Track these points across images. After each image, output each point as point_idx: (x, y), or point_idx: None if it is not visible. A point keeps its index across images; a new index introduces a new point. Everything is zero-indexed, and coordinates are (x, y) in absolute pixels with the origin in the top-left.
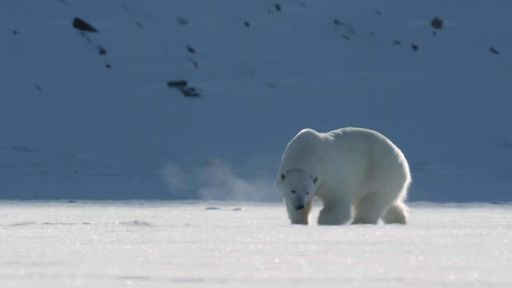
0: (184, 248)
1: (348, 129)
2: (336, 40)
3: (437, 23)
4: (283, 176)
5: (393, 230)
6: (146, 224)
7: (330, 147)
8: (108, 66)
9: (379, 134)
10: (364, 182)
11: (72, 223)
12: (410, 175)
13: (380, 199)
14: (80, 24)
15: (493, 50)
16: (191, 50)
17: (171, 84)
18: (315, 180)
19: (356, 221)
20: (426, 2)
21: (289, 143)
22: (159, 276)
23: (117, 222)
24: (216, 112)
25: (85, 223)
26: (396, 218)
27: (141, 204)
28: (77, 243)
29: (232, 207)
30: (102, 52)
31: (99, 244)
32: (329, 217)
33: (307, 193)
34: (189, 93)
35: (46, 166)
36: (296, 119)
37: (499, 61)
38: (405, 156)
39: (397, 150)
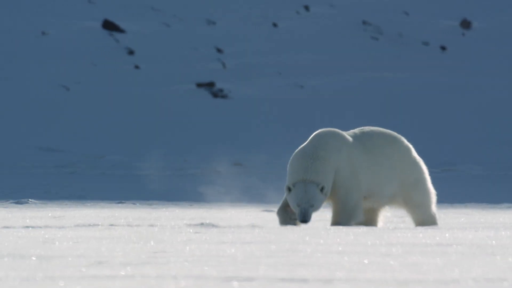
0: (265, 248)
1: (366, 128)
2: (364, 41)
3: (466, 24)
4: (289, 189)
5: (460, 232)
6: (212, 225)
7: (343, 151)
8: (136, 67)
9: (398, 134)
10: (390, 179)
11: (138, 225)
12: (438, 175)
13: (423, 199)
14: (108, 25)
15: None
16: (219, 50)
17: (199, 85)
18: (322, 189)
19: (418, 225)
20: (455, 3)
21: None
22: (261, 276)
23: (184, 223)
24: (244, 113)
25: (151, 225)
26: (372, 218)
27: (191, 205)
28: (151, 243)
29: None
30: (131, 53)
31: (176, 245)
32: (338, 222)
33: (311, 206)
34: (218, 94)
35: (74, 167)
36: (325, 119)
37: None
38: (433, 157)
39: (413, 149)
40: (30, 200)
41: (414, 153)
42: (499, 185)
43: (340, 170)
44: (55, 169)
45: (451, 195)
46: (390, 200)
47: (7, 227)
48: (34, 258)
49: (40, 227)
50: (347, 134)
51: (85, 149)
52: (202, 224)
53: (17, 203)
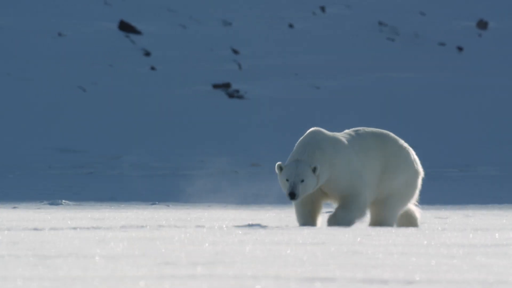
0: (324, 250)
1: (361, 129)
2: (381, 42)
3: (482, 25)
4: (280, 168)
5: (506, 233)
6: (260, 226)
7: (339, 144)
8: (152, 68)
9: (390, 133)
10: (377, 183)
11: (184, 226)
12: (455, 175)
13: (395, 200)
14: (125, 27)
15: None
16: (235, 52)
17: (216, 86)
18: (314, 169)
19: (372, 225)
20: (471, 3)
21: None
22: (340, 277)
23: (231, 225)
24: (261, 114)
25: (198, 226)
26: (409, 220)
27: (225, 206)
28: (206, 244)
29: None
30: (147, 54)
31: (232, 246)
32: (342, 216)
33: (301, 181)
34: (234, 95)
35: (91, 167)
36: (341, 120)
37: None
38: (450, 157)
39: (408, 148)
40: (64, 201)
41: (407, 154)
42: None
43: (338, 167)
44: (72, 170)
45: (468, 195)
46: (372, 201)
47: (55, 229)
48: (97, 258)
49: (87, 228)
50: (341, 136)
51: (102, 149)
52: (249, 225)
53: (51, 204)
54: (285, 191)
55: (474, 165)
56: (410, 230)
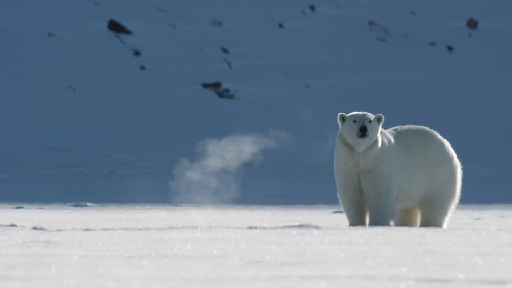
0: (399, 249)
1: (398, 128)
2: (371, 41)
3: (472, 24)
4: (343, 119)
5: None
6: (313, 227)
7: (390, 145)
8: (142, 67)
9: (428, 129)
10: (422, 180)
11: (236, 227)
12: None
13: (442, 198)
14: (114, 26)
15: None
16: (225, 51)
17: (206, 85)
18: (378, 119)
19: (422, 225)
20: (462, 3)
21: None
22: (458, 278)
23: (282, 225)
24: (250, 113)
25: (251, 227)
26: (412, 219)
27: (251, 208)
28: (272, 245)
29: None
30: (137, 53)
31: (297, 246)
32: (377, 220)
33: (369, 121)
34: (224, 94)
35: (81, 166)
36: (331, 119)
37: None
38: None
39: (446, 142)
40: (88, 203)
41: (447, 148)
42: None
43: (380, 161)
44: (62, 169)
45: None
46: (418, 201)
47: (107, 229)
48: (181, 258)
49: (140, 229)
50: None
51: (92, 148)
52: (301, 225)
53: (75, 205)
54: (352, 134)
55: (464, 165)
56: (465, 230)
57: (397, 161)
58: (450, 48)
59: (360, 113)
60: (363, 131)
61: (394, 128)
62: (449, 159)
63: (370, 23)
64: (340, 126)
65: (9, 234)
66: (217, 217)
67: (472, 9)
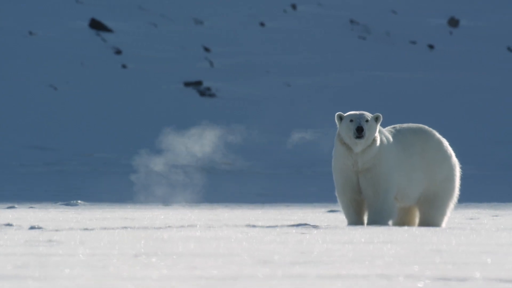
0: (406, 248)
1: (397, 126)
2: (352, 40)
3: (453, 22)
4: (340, 118)
5: None
6: (312, 226)
7: (389, 144)
8: (124, 66)
9: (426, 127)
10: (421, 179)
11: (235, 225)
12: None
13: (440, 197)
14: (96, 25)
15: (510, 50)
16: (207, 50)
17: (187, 84)
18: (376, 118)
19: (421, 225)
20: (443, 1)
21: None
22: (473, 277)
23: (279, 224)
24: (232, 112)
25: (250, 225)
26: (410, 219)
27: (241, 207)
28: (274, 244)
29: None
30: (118, 52)
31: (301, 245)
32: (375, 220)
33: (366, 121)
34: (205, 93)
35: (63, 165)
36: (312, 118)
37: None
38: None
39: (444, 141)
40: (79, 201)
41: (446, 146)
42: (502, 186)
43: (379, 160)
44: (43, 168)
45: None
46: (416, 200)
47: (105, 228)
48: (188, 257)
49: (138, 228)
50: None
51: (74, 147)
52: (300, 225)
53: (67, 204)
54: (349, 134)
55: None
56: (464, 231)
57: (396, 159)
58: (431, 47)
59: (357, 112)
60: (359, 131)
61: (392, 126)
62: (448, 157)
63: (352, 21)
64: (337, 126)
65: (9, 234)
66: (211, 216)
67: (453, 8)
